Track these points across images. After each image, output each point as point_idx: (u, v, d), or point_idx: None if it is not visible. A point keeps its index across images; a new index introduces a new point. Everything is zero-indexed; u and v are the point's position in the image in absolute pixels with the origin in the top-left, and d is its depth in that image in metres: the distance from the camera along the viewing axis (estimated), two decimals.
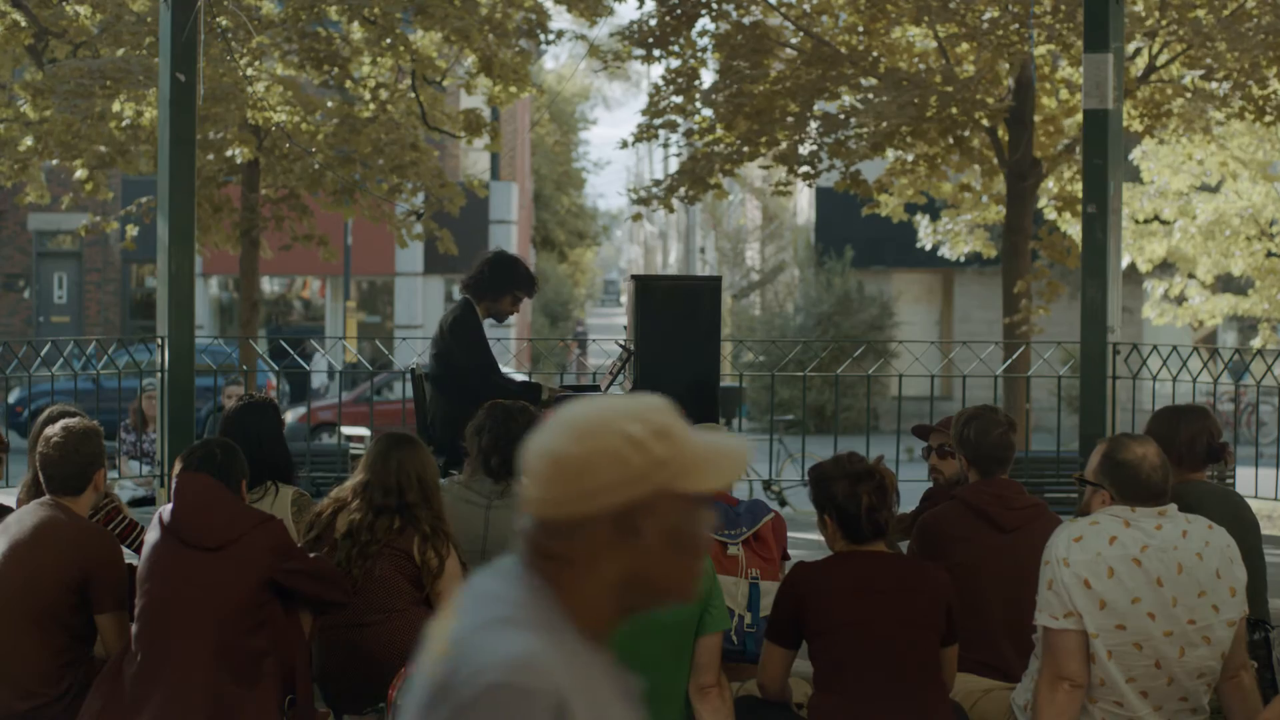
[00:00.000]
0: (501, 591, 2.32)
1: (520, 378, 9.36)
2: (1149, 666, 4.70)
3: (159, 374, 9.57)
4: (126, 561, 5.58)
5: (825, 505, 5.05)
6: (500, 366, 8.38)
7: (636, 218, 15.99)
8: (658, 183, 15.82)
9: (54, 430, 5.56)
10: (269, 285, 32.08)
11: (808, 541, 9.89)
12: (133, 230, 16.81)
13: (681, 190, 15.27)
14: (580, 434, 2.30)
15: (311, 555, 5.49)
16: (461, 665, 2.23)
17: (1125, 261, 18.29)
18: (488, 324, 8.22)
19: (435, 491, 5.71)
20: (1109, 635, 4.68)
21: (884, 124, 13.96)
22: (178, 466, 5.40)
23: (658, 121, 15.39)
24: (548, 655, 2.22)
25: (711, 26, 15.58)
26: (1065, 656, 4.68)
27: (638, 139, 15.56)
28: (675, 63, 15.28)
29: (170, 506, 5.26)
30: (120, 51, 13.97)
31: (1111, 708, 4.73)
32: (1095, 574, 4.66)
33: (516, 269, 8.26)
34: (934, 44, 15.07)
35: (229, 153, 15.33)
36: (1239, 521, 5.72)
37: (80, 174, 14.97)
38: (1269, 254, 18.98)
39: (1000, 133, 15.05)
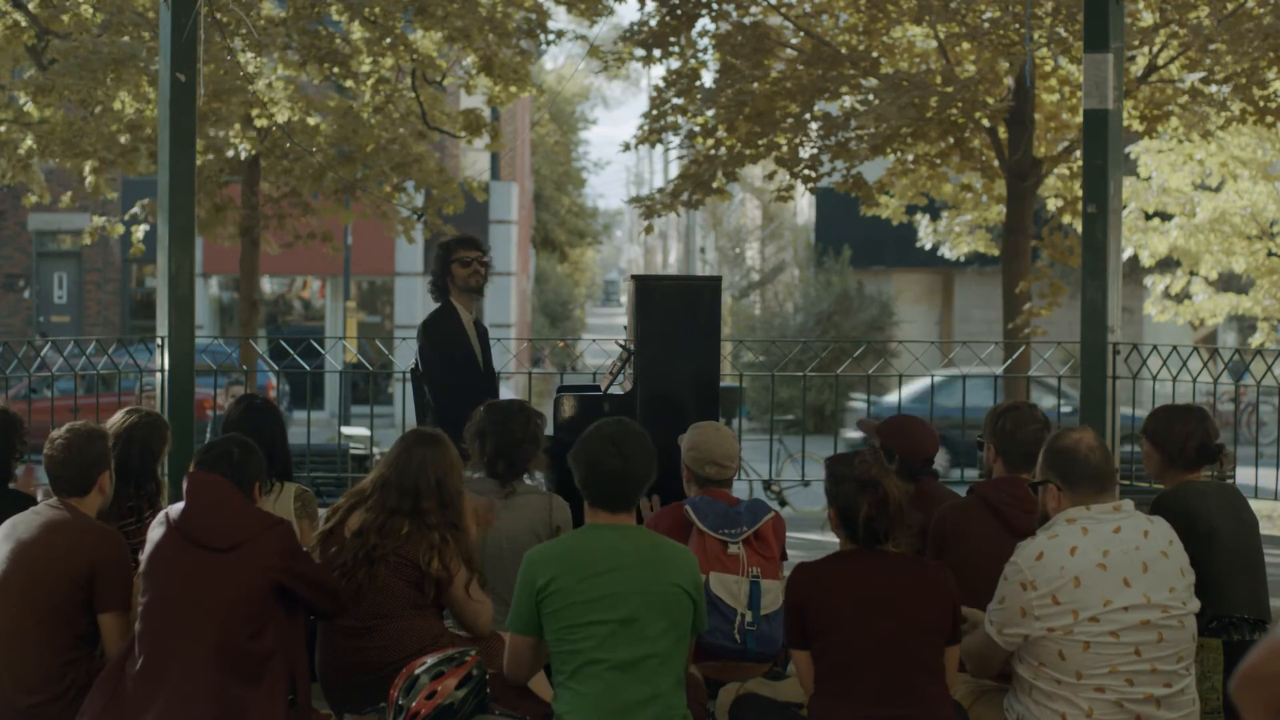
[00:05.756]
0: None
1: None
2: (1128, 655, 4.85)
3: (158, 374, 9.56)
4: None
5: (832, 499, 5.12)
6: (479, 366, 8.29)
7: (648, 230, 15.90)
8: (660, 190, 15.79)
9: (59, 432, 5.57)
10: (269, 285, 32.07)
11: (807, 541, 9.91)
12: (139, 234, 16.73)
13: (685, 195, 15.24)
14: None
15: (317, 563, 5.47)
16: None
17: (1127, 254, 18.27)
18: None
19: (456, 496, 5.57)
20: (1084, 626, 4.82)
21: (884, 125, 13.95)
22: (192, 465, 5.40)
23: (659, 124, 15.36)
24: None
25: (711, 27, 15.57)
26: (990, 659, 5.08)
27: (639, 142, 15.53)
28: (675, 64, 15.26)
29: (180, 505, 5.25)
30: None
31: (1093, 694, 4.83)
32: (1062, 588, 4.83)
33: (445, 244, 8.26)
34: (934, 44, 15.06)
35: (229, 153, 15.33)
36: (1239, 522, 5.74)
37: (90, 180, 14.96)
38: (1269, 254, 18.98)
39: (1000, 133, 15.04)
